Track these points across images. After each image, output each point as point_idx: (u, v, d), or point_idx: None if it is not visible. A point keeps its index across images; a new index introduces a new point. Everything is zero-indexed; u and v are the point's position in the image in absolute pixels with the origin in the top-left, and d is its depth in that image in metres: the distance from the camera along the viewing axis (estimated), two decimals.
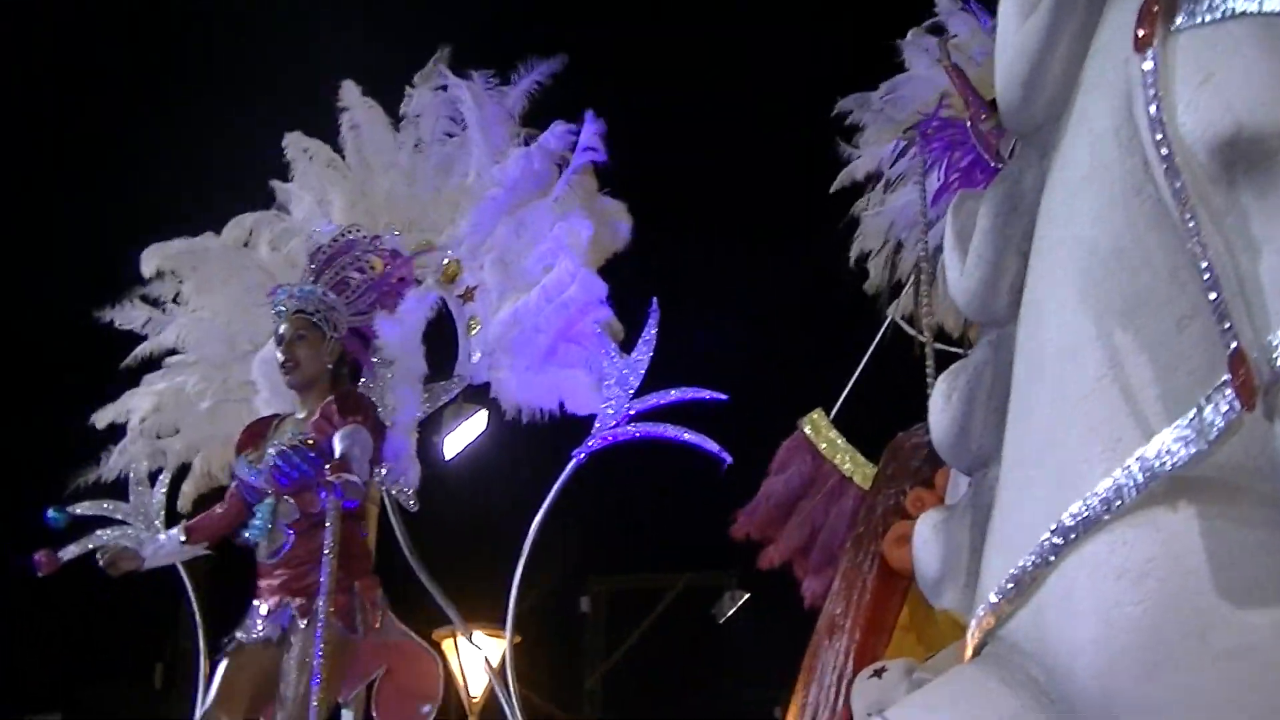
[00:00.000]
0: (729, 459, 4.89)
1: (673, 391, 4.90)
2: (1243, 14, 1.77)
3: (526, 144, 5.40)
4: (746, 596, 12.89)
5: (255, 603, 4.86)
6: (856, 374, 6.07)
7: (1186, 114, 1.77)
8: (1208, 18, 1.80)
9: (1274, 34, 1.74)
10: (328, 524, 4.57)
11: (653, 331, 4.93)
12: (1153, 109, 1.81)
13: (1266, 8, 1.76)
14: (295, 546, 4.84)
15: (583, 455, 4.96)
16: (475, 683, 9.69)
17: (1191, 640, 1.81)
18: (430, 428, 5.66)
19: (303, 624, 4.68)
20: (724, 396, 4.89)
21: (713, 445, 4.86)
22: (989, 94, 4.87)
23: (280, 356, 5.01)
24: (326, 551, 4.53)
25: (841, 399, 5.99)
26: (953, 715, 2.09)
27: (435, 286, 5.37)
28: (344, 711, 4.86)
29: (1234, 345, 1.73)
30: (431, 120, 5.67)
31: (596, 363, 4.95)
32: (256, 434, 5.11)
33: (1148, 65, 1.82)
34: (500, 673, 5.54)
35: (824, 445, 5.87)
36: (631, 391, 4.90)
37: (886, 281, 6.41)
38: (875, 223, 6.43)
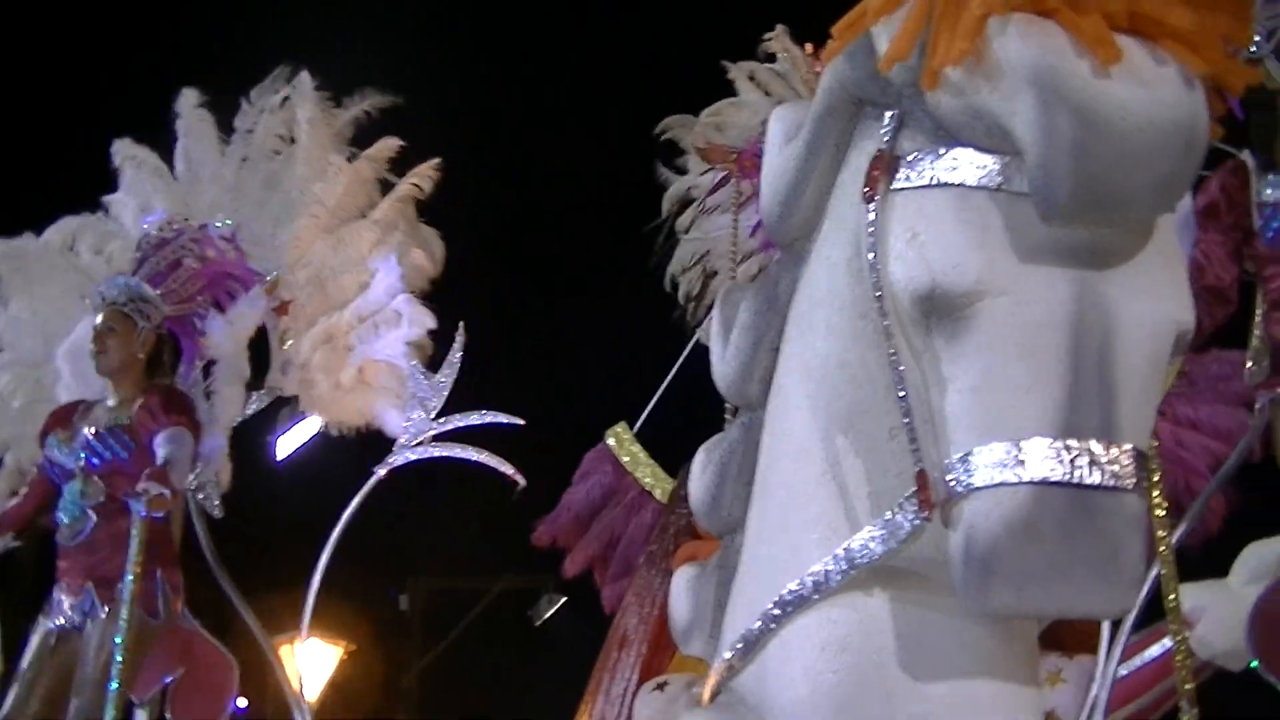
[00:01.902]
0: (522, 482, 5.15)
1: (473, 414, 5.15)
2: (945, 184, 2.08)
3: (351, 161, 5.59)
4: (563, 600, 13.12)
5: (56, 588, 4.93)
6: (661, 390, 6.33)
7: (895, 264, 2.08)
8: (919, 182, 2.10)
9: (968, 204, 2.06)
10: (133, 518, 4.65)
11: (458, 355, 5.18)
12: (871, 255, 2.12)
13: (963, 180, 2.07)
14: (97, 530, 4.91)
15: (383, 471, 5.19)
16: (310, 690, 9.77)
17: (879, 706, 2.14)
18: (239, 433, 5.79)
19: (103, 610, 4.76)
20: (520, 422, 5.15)
21: (507, 468, 5.13)
22: None
23: (91, 346, 5.13)
24: (132, 537, 4.61)
25: (645, 414, 6.26)
26: None
27: (257, 296, 5.52)
28: (138, 712, 4.98)
29: (919, 465, 2.07)
30: (262, 135, 5.81)
31: (403, 382, 5.18)
32: (63, 417, 5.19)
33: (870, 216, 2.12)
34: (291, 677, 5.68)
35: (626, 458, 6.15)
36: (434, 412, 5.14)
37: (695, 302, 6.68)
38: (689, 246, 6.70)
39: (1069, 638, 5.29)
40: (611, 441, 6.12)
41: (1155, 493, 3.89)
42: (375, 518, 5.42)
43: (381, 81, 5.60)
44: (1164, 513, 3.92)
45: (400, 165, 5.52)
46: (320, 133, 5.59)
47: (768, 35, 6.43)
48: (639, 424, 6.09)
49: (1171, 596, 3.94)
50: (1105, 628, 4.73)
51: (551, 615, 13.29)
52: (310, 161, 5.56)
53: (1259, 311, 3.97)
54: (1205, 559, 5.48)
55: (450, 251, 5.51)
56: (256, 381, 5.53)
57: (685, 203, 6.61)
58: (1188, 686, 3.87)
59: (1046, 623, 2.50)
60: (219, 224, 5.56)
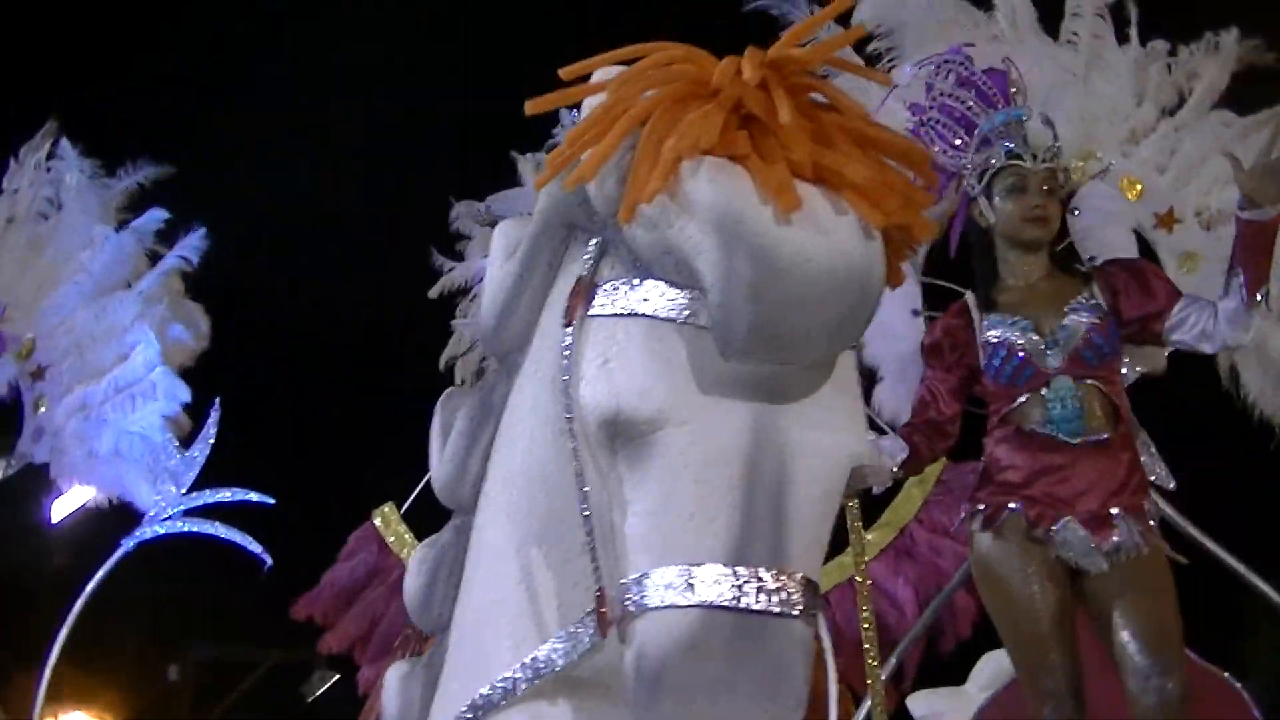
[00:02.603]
0: (269, 561, 5.11)
1: (224, 491, 5.12)
2: (638, 314, 2.16)
3: (118, 230, 5.53)
4: (335, 678, 12.90)
5: None
6: (431, 472, 6.32)
7: (586, 388, 2.15)
8: (613, 310, 2.18)
9: (657, 334, 2.14)
10: None
11: (212, 431, 5.14)
12: (566, 377, 2.19)
13: (654, 312, 2.15)
14: None
15: (130, 544, 5.11)
16: None
17: None
18: None
19: None
20: (270, 501, 5.13)
21: (255, 547, 5.09)
22: None
23: None
24: None
25: (413, 496, 6.26)
26: None
27: (10, 360, 5.41)
28: None
29: (599, 583, 2.13)
30: (29, 196, 5.71)
31: (156, 456, 5.11)
32: None
33: (568, 340, 2.20)
34: None
35: (392, 539, 6.14)
36: (184, 487, 5.09)
37: (472, 385, 6.73)
38: (467, 331, 6.77)
39: None
40: (378, 521, 6.12)
41: (865, 619, 4.04)
42: (147, 586, 5.31)
43: (148, 151, 5.56)
44: (872, 636, 4.07)
45: (169, 238, 5.47)
46: (87, 199, 5.53)
47: (556, 129, 6.57)
48: (406, 505, 6.09)
49: None
50: None
51: (323, 692, 13.05)
52: (76, 228, 5.49)
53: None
54: (958, 663, 5.68)
55: (215, 326, 5.47)
56: (6, 445, 5.40)
57: (464, 289, 6.68)
58: None
59: None
60: None
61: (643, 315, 2.17)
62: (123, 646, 12.20)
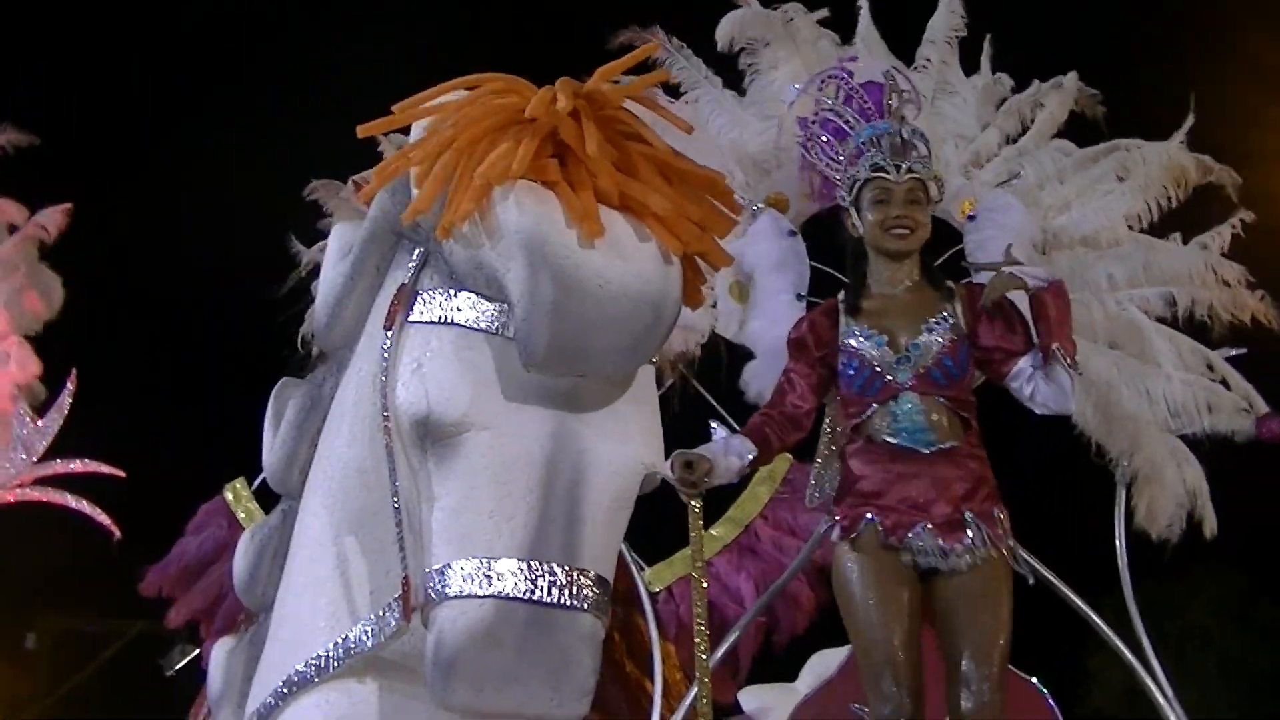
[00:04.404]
0: (117, 532, 5.14)
1: (75, 462, 5.14)
2: (452, 322, 2.33)
3: None
4: (196, 652, 12.82)
5: None
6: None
7: (401, 390, 2.32)
8: (430, 317, 2.35)
9: (467, 344, 2.31)
10: None
11: (67, 400, 5.17)
12: (383, 378, 2.34)
13: (466, 321, 2.32)
14: None
15: None
16: None
17: None
18: None
19: None
20: (120, 473, 5.17)
21: (103, 517, 5.12)
22: None
23: None
24: None
25: (265, 473, 6.24)
26: None
27: None
28: None
29: (405, 572, 2.30)
30: None
31: (7, 424, 5.12)
32: None
33: (387, 343, 2.36)
34: None
35: (242, 514, 6.10)
36: (36, 456, 5.10)
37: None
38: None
39: None
40: (229, 496, 6.09)
41: (698, 611, 4.14)
42: (9, 552, 5.30)
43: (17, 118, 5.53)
44: (703, 628, 4.17)
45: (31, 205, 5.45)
46: None
47: None
48: (258, 482, 6.07)
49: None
50: None
51: (182, 666, 12.96)
52: None
53: (824, 436, 4.24)
54: (793, 656, 5.82)
55: (72, 296, 5.47)
56: None
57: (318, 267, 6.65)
58: None
59: None
60: None
61: (456, 324, 2.34)
62: None
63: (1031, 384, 3.89)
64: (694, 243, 2.34)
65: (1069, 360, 3.79)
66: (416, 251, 2.42)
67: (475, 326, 2.32)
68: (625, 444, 2.35)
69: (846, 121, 4.28)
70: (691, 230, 2.33)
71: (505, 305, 2.29)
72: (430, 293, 2.36)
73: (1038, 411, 3.95)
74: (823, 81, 4.51)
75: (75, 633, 14.79)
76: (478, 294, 2.32)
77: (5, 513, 5.62)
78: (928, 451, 3.79)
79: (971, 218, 4.78)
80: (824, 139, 4.39)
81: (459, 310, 2.33)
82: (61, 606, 14.41)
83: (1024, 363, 3.89)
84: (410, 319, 2.36)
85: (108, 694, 14.37)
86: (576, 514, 2.27)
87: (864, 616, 3.77)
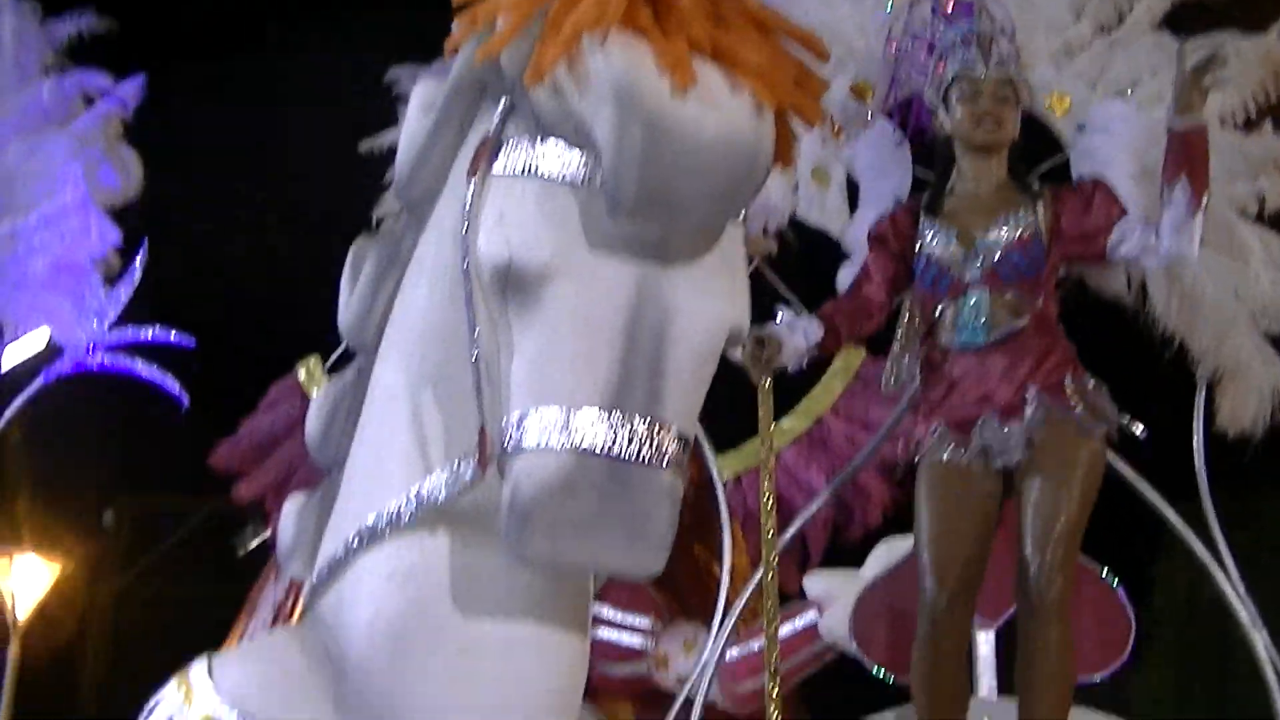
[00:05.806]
0: (186, 402, 5.18)
1: (145, 329, 5.18)
2: (536, 173, 2.30)
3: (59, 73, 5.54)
4: (269, 532, 13.04)
5: None
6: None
7: (483, 239, 2.28)
8: (514, 168, 2.32)
9: (551, 193, 2.28)
10: None
11: (137, 272, 5.20)
12: (465, 229, 2.31)
13: (550, 172, 2.29)
14: None
15: (50, 379, 5.18)
16: (22, 604, 9.72)
17: (430, 636, 2.35)
18: None
19: None
20: (189, 343, 5.19)
21: (173, 386, 5.17)
22: None
23: None
24: None
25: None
26: (255, 663, 2.57)
27: None
28: None
29: (482, 423, 2.27)
30: None
31: (81, 292, 5.17)
32: None
33: (470, 194, 2.33)
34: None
35: (315, 392, 6.18)
36: (108, 324, 5.15)
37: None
38: None
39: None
40: (302, 374, 6.14)
41: (766, 494, 4.16)
42: (85, 429, 5.38)
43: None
44: (771, 510, 4.19)
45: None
46: (25, 40, 5.51)
47: None
48: (331, 361, 6.10)
49: (770, 602, 4.23)
50: (721, 602, 5.03)
51: (255, 545, 13.19)
52: (11, 68, 5.48)
53: (902, 325, 4.23)
54: (865, 549, 5.82)
55: (149, 171, 5.49)
56: None
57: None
58: (775, 671, 4.15)
59: (603, 580, 2.73)
60: None
61: (540, 175, 2.31)
62: (53, 489, 12.23)
63: (1139, 237, 3.84)
64: (787, 96, 2.29)
65: (1197, 196, 3.72)
66: (502, 101, 2.38)
67: (561, 176, 2.29)
68: (713, 300, 2.32)
69: (934, 31, 4.27)
70: (785, 84, 2.28)
71: (593, 154, 2.25)
72: (515, 143, 2.34)
73: (1151, 265, 3.92)
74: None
75: (150, 513, 15.10)
76: (565, 143, 2.29)
77: (83, 385, 5.67)
78: (987, 341, 3.77)
79: (1081, 127, 4.67)
80: (911, 50, 4.40)
81: (544, 158, 2.30)
82: (136, 485, 14.70)
83: (1124, 224, 3.85)
84: (494, 170, 2.33)
85: (182, 575, 14.70)
86: (660, 367, 2.25)
87: (922, 519, 3.80)
